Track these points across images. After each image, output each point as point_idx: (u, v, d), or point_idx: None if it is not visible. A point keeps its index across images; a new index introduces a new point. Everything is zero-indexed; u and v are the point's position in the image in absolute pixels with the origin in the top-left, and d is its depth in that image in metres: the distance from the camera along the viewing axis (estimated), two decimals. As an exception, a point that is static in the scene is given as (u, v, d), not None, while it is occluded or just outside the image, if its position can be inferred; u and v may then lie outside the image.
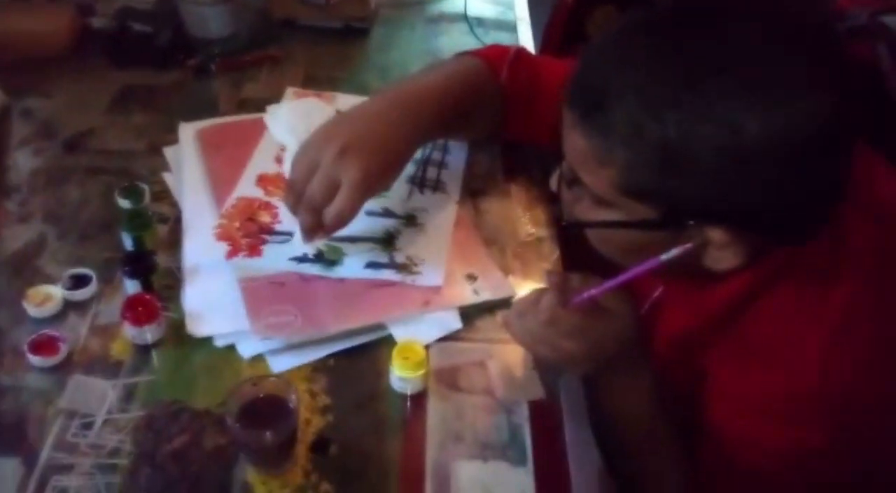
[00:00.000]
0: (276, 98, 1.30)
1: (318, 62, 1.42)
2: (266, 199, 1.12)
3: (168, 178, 1.17)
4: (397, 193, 1.13)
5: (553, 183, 0.89)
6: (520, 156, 1.23)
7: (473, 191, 1.18)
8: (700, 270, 0.81)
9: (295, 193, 1.00)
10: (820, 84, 0.72)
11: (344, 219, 0.98)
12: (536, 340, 0.87)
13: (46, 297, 0.98)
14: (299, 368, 0.94)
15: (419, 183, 1.16)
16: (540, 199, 1.17)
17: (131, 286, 0.99)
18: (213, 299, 0.99)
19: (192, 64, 1.38)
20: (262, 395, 0.84)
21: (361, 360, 0.96)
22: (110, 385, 0.92)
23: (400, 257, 1.05)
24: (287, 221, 1.06)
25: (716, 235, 0.77)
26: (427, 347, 0.95)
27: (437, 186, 1.16)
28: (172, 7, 1.43)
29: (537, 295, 0.88)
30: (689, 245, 0.77)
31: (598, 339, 0.86)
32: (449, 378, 0.95)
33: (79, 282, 1.01)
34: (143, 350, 0.95)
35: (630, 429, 0.94)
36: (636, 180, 0.76)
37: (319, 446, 0.88)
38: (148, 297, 0.96)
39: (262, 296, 0.99)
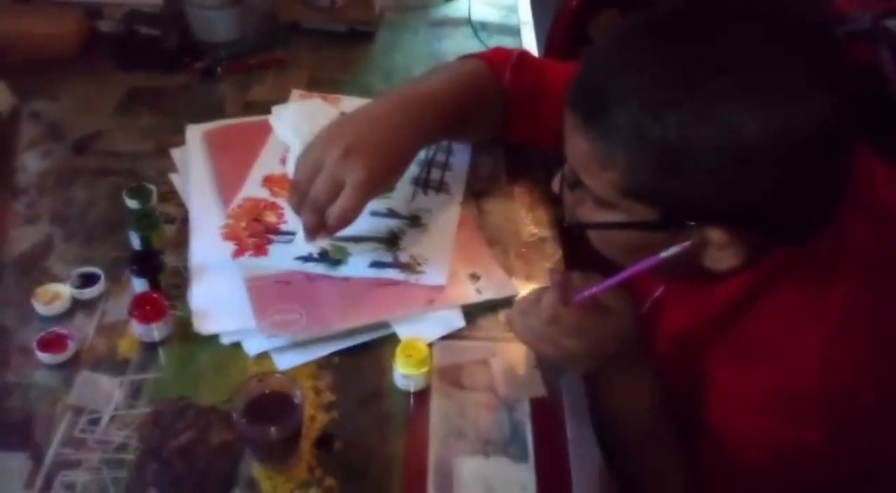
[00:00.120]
0: (281, 100, 1.31)
1: (323, 65, 1.44)
2: (272, 199, 1.13)
3: (175, 179, 1.18)
4: (401, 194, 1.14)
5: (555, 185, 0.90)
6: (523, 158, 1.24)
7: (477, 192, 1.19)
8: (700, 270, 0.82)
9: (298, 193, 1.01)
10: (819, 85, 0.73)
11: (347, 219, 1.00)
12: (538, 337, 0.88)
13: (55, 295, 1.00)
14: (304, 365, 0.95)
15: (423, 184, 1.17)
16: (543, 200, 1.18)
17: (139, 285, 1.00)
18: (219, 298, 1.01)
19: (198, 67, 1.39)
20: (267, 391, 0.85)
21: (365, 358, 0.97)
22: (117, 382, 0.93)
23: (404, 257, 1.06)
24: (292, 221, 1.07)
25: (716, 235, 0.78)
26: (430, 345, 0.96)
27: (441, 188, 1.17)
28: (179, 10, 1.44)
29: (539, 293, 0.89)
30: (687, 243, 0.78)
31: (598, 337, 0.87)
32: (452, 376, 0.96)
33: (87, 281, 1.02)
34: (150, 348, 0.97)
35: (631, 428, 0.94)
36: (637, 182, 0.77)
37: (324, 442, 0.89)
38: (155, 295, 0.97)
39: (267, 295, 1.00)
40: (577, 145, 0.80)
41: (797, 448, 0.83)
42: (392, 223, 1.11)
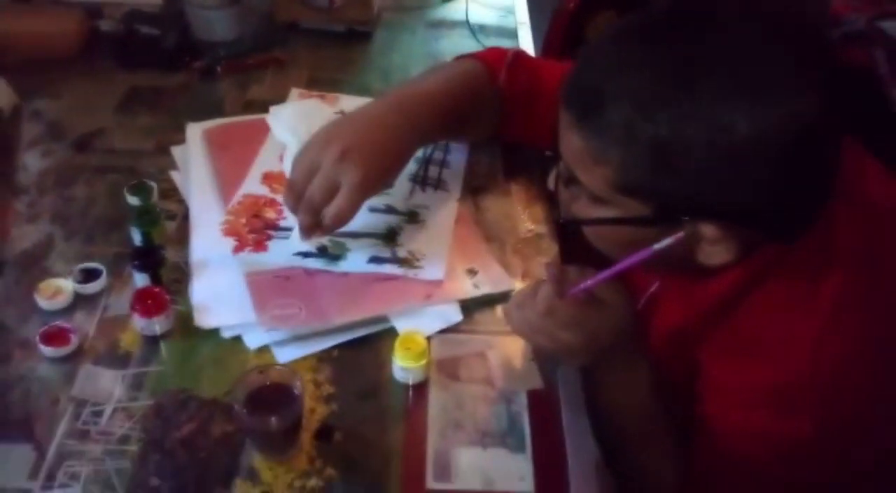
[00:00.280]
0: (280, 99, 1.32)
1: (321, 65, 1.45)
2: (271, 196, 1.14)
3: (175, 176, 1.19)
4: (400, 191, 1.16)
5: (551, 182, 0.91)
6: (519, 156, 1.25)
7: (474, 189, 1.20)
8: (693, 265, 0.83)
9: (295, 194, 1.02)
10: (808, 84, 0.74)
11: (342, 220, 1.01)
12: (534, 330, 0.89)
13: (57, 290, 1.01)
14: (304, 358, 0.97)
15: (421, 181, 1.19)
16: (539, 197, 1.20)
17: (140, 280, 1.01)
18: (219, 293, 1.02)
19: (198, 66, 1.41)
20: (268, 383, 0.87)
21: (365, 351, 0.98)
22: (120, 375, 0.94)
23: (402, 252, 1.07)
24: (292, 217, 1.08)
25: (708, 230, 0.79)
26: (428, 338, 0.97)
27: (439, 185, 1.19)
28: (179, 10, 1.46)
29: (536, 287, 0.90)
30: (680, 234, 0.79)
31: (594, 330, 0.88)
32: (450, 369, 0.97)
33: (89, 276, 1.03)
34: (152, 341, 0.98)
35: (626, 421, 0.95)
36: (630, 179, 0.78)
37: (324, 433, 0.90)
38: (157, 290, 0.98)
39: (267, 289, 1.02)
40: (572, 143, 0.81)
41: (789, 440, 0.84)
42: (390, 219, 1.12)
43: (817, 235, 0.82)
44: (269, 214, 1.12)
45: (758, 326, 0.86)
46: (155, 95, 1.36)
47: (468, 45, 1.50)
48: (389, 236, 1.10)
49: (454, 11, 1.63)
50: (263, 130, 1.25)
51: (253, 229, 1.09)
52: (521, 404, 0.94)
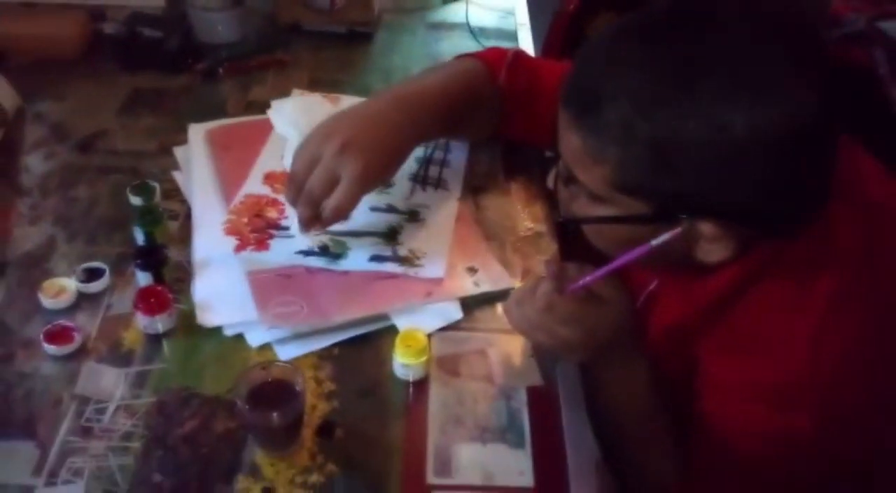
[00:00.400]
0: (282, 101, 1.33)
1: (323, 66, 1.46)
2: (273, 196, 1.15)
3: (178, 176, 1.20)
4: (400, 190, 1.17)
5: (550, 181, 0.92)
6: (519, 155, 1.26)
7: (474, 188, 1.21)
8: (692, 262, 0.84)
9: (295, 186, 1.03)
10: (806, 84, 0.75)
11: (341, 213, 1.01)
12: (534, 326, 0.90)
13: (61, 289, 1.01)
14: (306, 356, 0.97)
15: (421, 181, 1.19)
16: (539, 196, 1.20)
17: (143, 279, 1.02)
18: (222, 291, 1.03)
19: (200, 68, 1.42)
20: (270, 379, 0.87)
21: (366, 348, 0.99)
22: (122, 373, 0.95)
23: (402, 251, 1.08)
24: (293, 216, 1.09)
25: (706, 228, 0.80)
26: (429, 336, 0.98)
27: (439, 184, 1.19)
28: (181, 13, 1.47)
29: (535, 283, 0.90)
30: (677, 230, 0.80)
31: (592, 326, 0.89)
32: (450, 366, 0.98)
33: (92, 275, 1.04)
34: (155, 339, 0.98)
35: (626, 419, 0.96)
36: (629, 177, 0.79)
37: (325, 430, 0.90)
38: (160, 288, 0.99)
39: (269, 288, 1.02)
40: (571, 142, 0.82)
41: (787, 436, 0.84)
42: (391, 218, 1.13)
43: (815, 234, 0.83)
44: (271, 213, 1.12)
45: (755, 323, 0.86)
46: (157, 97, 1.37)
47: (468, 47, 1.51)
48: (390, 235, 1.10)
49: (454, 13, 1.63)
50: (265, 130, 1.26)
51: (255, 229, 1.10)
52: (521, 401, 0.95)
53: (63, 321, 0.98)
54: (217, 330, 0.99)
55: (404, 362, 0.94)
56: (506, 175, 1.24)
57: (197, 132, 1.26)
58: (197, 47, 1.45)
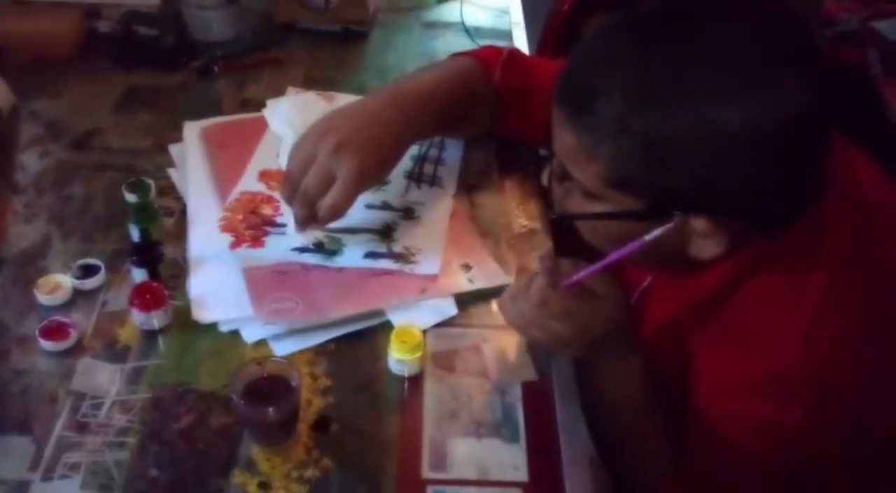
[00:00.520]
0: (277, 99, 1.33)
1: (318, 64, 1.46)
2: (268, 193, 1.15)
3: (173, 174, 1.20)
4: (395, 188, 1.17)
5: (545, 178, 0.92)
6: (514, 153, 1.26)
7: (469, 186, 1.21)
8: (685, 258, 0.85)
9: (291, 185, 1.03)
10: (795, 79, 0.76)
11: (337, 212, 1.02)
12: (528, 322, 0.90)
13: (56, 285, 1.02)
14: (301, 352, 0.98)
15: (416, 178, 1.20)
16: (533, 193, 1.21)
17: (139, 275, 1.02)
18: (217, 287, 1.03)
19: (195, 66, 1.41)
20: (265, 374, 0.88)
21: (361, 344, 1.00)
22: (118, 369, 0.95)
23: (397, 248, 1.09)
24: (288, 213, 1.09)
25: (699, 224, 0.81)
26: (424, 332, 0.98)
27: (434, 181, 1.20)
28: (176, 11, 1.46)
29: (529, 279, 0.91)
30: (670, 225, 0.80)
31: (586, 321, 0.89)
32: (445, 361, 0.98)
33: (87, 272, 1.04)
34: (150, 336, 0.99)
35: (620, 415, 0.97)
36: (622, 174, 0.80)
37: (321, 424, 0.91)
38: (155, 284, 0.99)
39: (264, 284, 1.03)
40: (565, 139, 0.83)
41: (781, 430, 0.85)
42: (386, 215, 1.13)
43: (807, 229, 0.84)
44: (266, 210, 1.13)
45: (748, 318, 0.87)
46: (153, 95, 1.37)
47: (463, 46, 1.50)
48: (385, 232, 1.11)
49: (449, 12, 1.64)
50: (260, 128, 1.26)
51: (250, 226, 1.10)
52: (516, 396, 0.95)
53: (59, 318, 0.98)
54: (212, 326, 1.00)
55: (399, 358, 0.95)
56: (500, 173, 1.25)
57: (192, 130, 1.26)
58: (192, 45, 1.45)
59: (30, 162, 1.24)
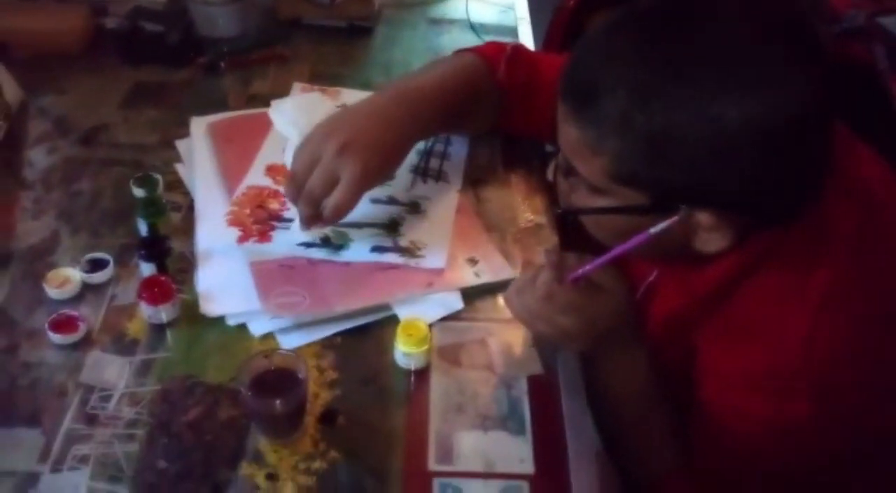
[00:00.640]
0: (283, 94, 1.34)
1: (323, 60, 1.47)
2: (275, 187, 1.16)
3: (180, 169, 1.21)
4: (401, 183, 1.18)
5: (550, 173, 0.93)
6: (519, 148, 1.27)
7: (475, 180, 1.22)
8: (690, 252, 0.85)
9: (295, 186, 1.04)
10: (796, 73, 0.76)
11: (341, 212, 1.02)
12: (534, 315, 0.91)
13: (65, 279, 1.02)
14: (308, 345, 0.98)
15: (422, 173, 1.20)
16: (539, 188, 1.21)
17: (147, 269, 1.03)
18: (224, 281, 1.04)
19: (201, 62, 1.42)
20: (273, 367, 0.88)
21: (367, 338, 1.00)
22: (127, 362, 0.96)
23: (404, 242, 1.09)
24: (295, 208, 1.10)
25: (703, 218, 0.81)
26: (430, 325, 0.99)
27: (440, 176, 1.20)
28: (183, 7, 1.47)
29: (535, 273, 0.91)
30: (675, 218, 0.81)
31: (592, 315, 0.89)
32: (451, 355, 0.98)
33: (96, 266, 1.05)
34: (159, 329, 0.99)
35: (625, 409, 0.97)
36: (627, 168, 0.80)
37: (328, 417, 0.91)
38: (163, 278, 1.00)
39: (272, 278, 1.03)
40: (569, 134, 0.83)
41: (785, 424, 0.85)
42: (392, 210, 1.14)
43: (811, 225, 0.84)
44: (273, 205, 1.13)
45: (752, 312, 0.87)
46: (159, 91, 1.37)
47: (468, 42, 1.51)
48: (391, 226, 1.11)
49: (454, 8, 1.64)
50: (267, 123, 1.25)
51: (257, 220, 1.11)
52: (522, 390, 0.95)
53: (68, 311, 0.99)
54: (220, 320, 1.00)
55: (406, 351, 0.95)
56: (505, 168, 1.25)
57: (199, 125, 1.27)
58: (198, 41, 1.46)
59: (38, 158, 1.24)
